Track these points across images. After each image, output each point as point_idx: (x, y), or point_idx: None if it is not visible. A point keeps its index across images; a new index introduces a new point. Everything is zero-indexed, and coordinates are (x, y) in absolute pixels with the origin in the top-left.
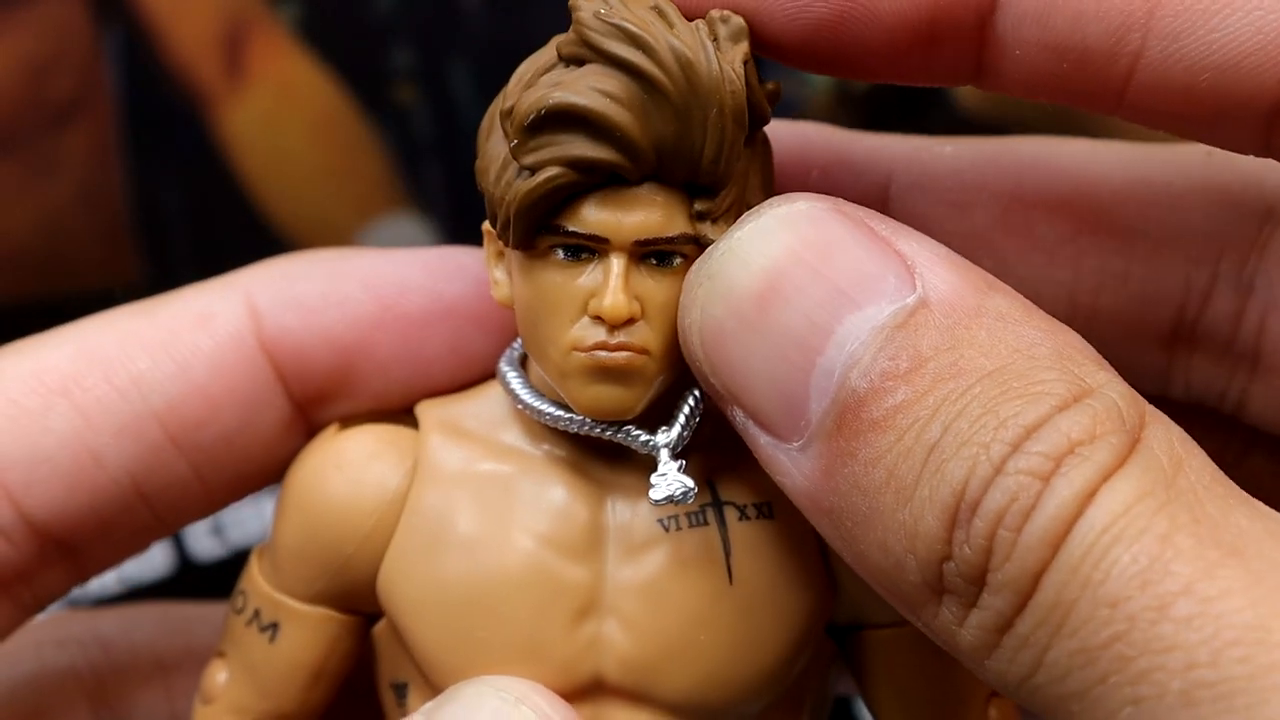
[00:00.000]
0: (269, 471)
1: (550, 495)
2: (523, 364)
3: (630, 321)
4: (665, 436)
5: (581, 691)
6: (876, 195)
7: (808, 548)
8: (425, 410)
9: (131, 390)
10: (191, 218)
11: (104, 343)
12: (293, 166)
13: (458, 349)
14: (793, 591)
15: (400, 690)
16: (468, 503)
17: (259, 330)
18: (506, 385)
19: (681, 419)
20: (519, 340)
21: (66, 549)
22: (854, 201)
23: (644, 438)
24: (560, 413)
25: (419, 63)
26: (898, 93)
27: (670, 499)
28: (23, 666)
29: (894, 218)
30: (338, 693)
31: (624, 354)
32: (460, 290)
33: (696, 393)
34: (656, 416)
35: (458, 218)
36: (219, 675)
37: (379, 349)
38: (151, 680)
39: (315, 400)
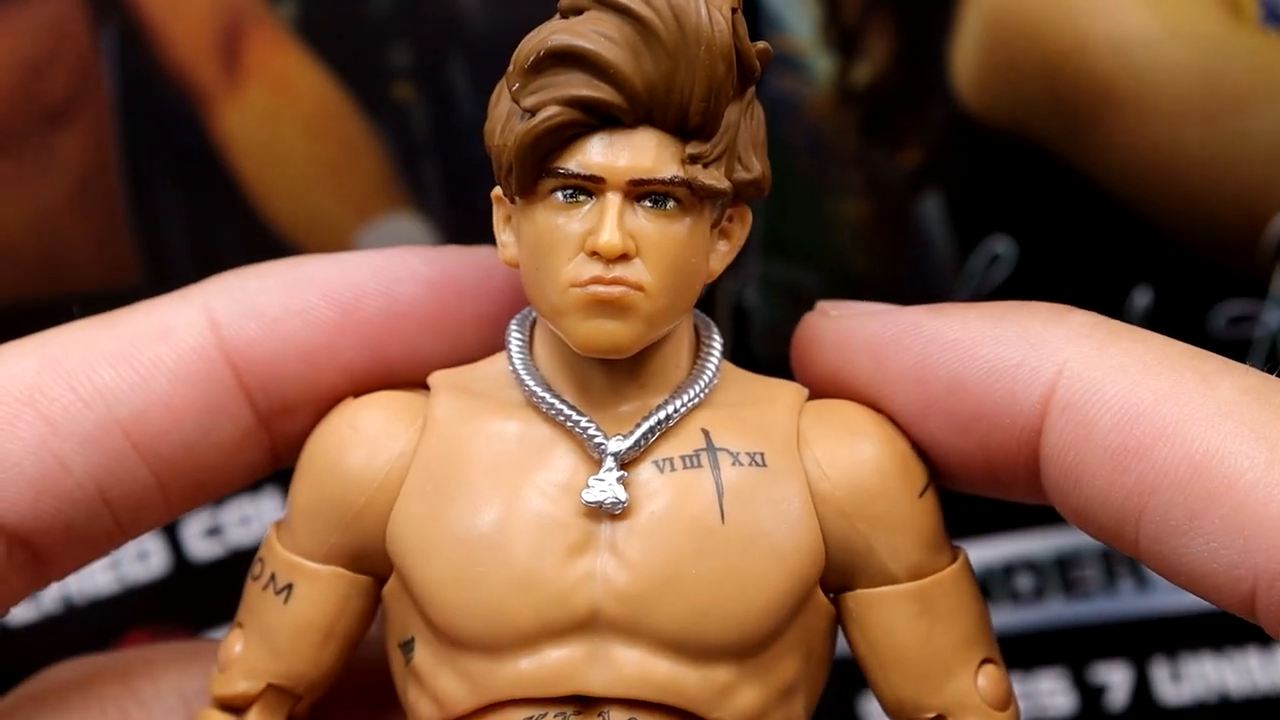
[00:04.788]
0: (228, 481)
1: (553, 444)
2: (532, 329)
3: (625, 258)
4: (616, 444)
5: (578, 625)
6: None
7: (799, 499)
8: (436, 377)
9: (96, 400)
10: (188, 216)
11: (68, 354)
12: (290, 164)
13: (417, 351)
14: (783, 537)
15: (407, 646)
16: (472, 454)
17: (220, 342)
18: (507, 345)
19: (640, 433)
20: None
21: (32, 554)
22: None
23: (598, 440)
24: (538, 390)
25: (417, 61)
26: (898, 92)
27: (599, 504)
28: None
29: None
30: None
31: (620, 288)
32: (413, 292)
33: (673, 408)
34: (648, 374)
35: (456, 216)
36: (236, 644)
37: (341, 355)
38: None
39: (280, 411)
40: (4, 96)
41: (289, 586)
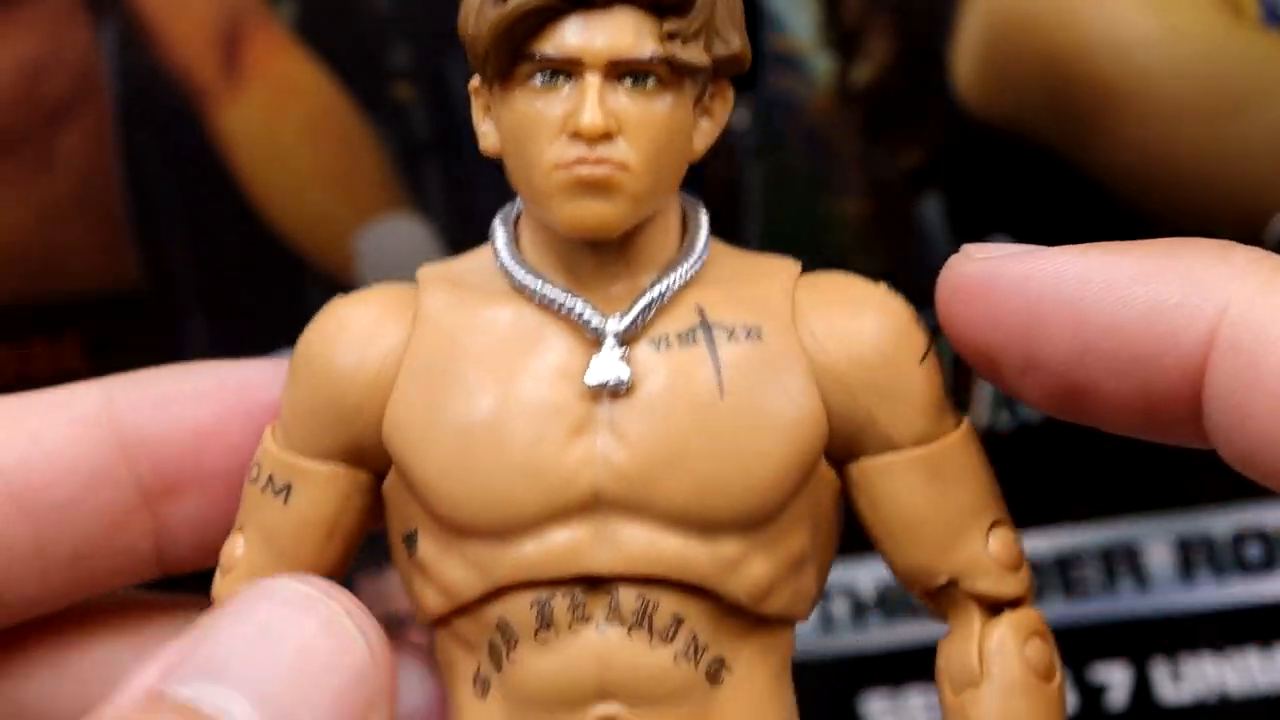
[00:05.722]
0: (110, 564)
1: (546, 329)
2: (515, 224)
3: (608, 138)
4: (615, 323)
5: (582, 506)
6: None
7: (798, 372)
8: (424, 271)
9: None
10: (188, 216)
11: None
12: (290, 164)
13: None
14: (784, 409)
15: (410, 540)
16: (465, 344)
17: (111, 412)
18: (492, 240)
19: (635, 311)
20: (520, 199)
21: None
22: None
23: (594, 321)
24: (526, 278)
25: (417, 61)
26: (898, 92)
27: (604, 384)
28: None
29: None
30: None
31: (604, 168)
32: None
33: (666, 285)
34: (637, 255)
35: (456, 216)
36: (237, 547)
37: (229, 436)
38: None
39: (165, 491)
40: (4, 96)
41: (288, 486)
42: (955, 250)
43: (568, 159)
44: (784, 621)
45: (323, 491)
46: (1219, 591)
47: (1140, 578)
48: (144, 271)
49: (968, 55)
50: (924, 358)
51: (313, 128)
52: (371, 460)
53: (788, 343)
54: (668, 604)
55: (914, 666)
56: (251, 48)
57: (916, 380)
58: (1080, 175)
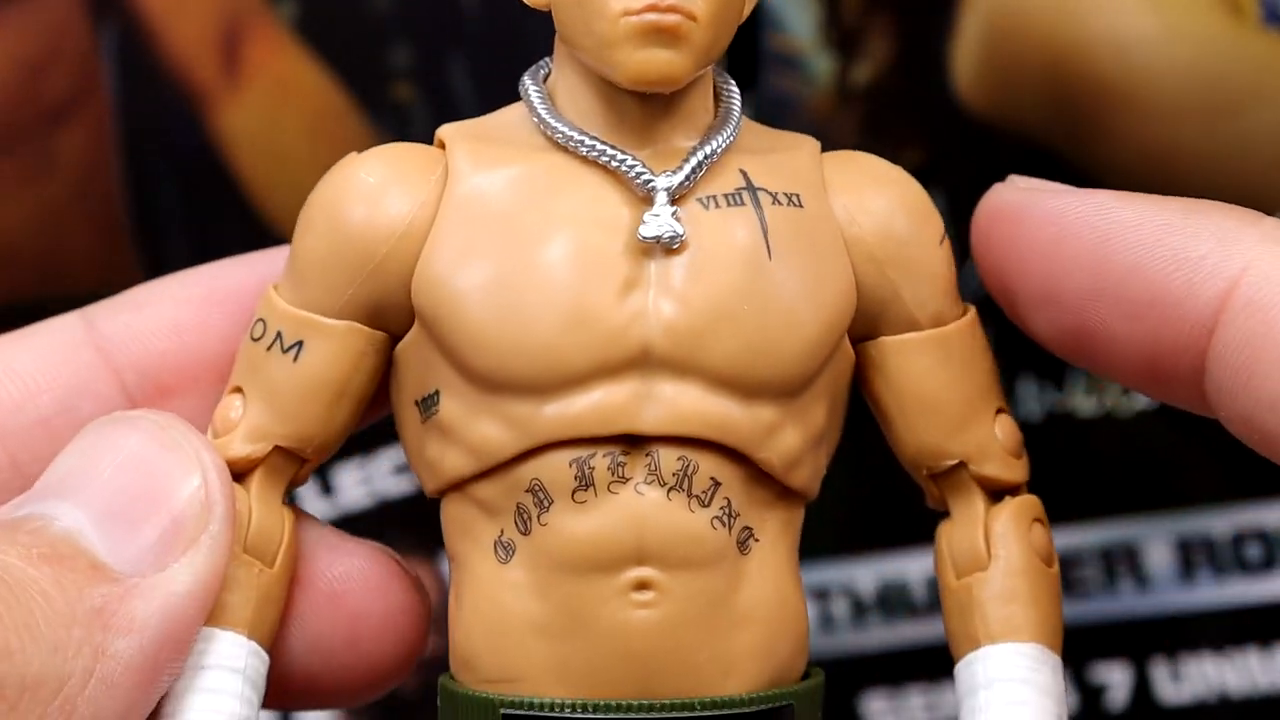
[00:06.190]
0: None
1: (587, 180)
2: (544, 83)
3: None
4: (666, 180)
5: (630, 362)
6: None
7: (835, 241)
8: (447, 129)
9: None
10: (188, 216)
11: None
12: (290, 165)
13: None
14: (825, 273)
15: (429, 401)
16: (505, 196)
17: (88, 327)
18: (526, 96)
19: (688, 169)
20: (546, 60)
21: None
22: None
23: (645, 176)
24: (571, 131)
25: (417, 61)
26: (898, 92)
27: (658, 239)
28: None
29: None
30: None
31: (675, 16)
32: (277, 268)
33: (713, 145)
34: (681, 115)
35: None
36: (233, 409)
37: (213, 326)
38: None
39: (155, 393)
40: (4, 96)
41: (299, 344)
42: (955, 250)
43: (638, 5)
44: (800, 498)
45: (338, 349)
46: (1219, 591)
47: (1140, 578)
48: (144, 271)
49: (968, 55)
50: (943, 239)
51: (313, 127)
52: (391, 319)
53: (824, 213)
54: (707, 466)
55: (914, 666)
56: (251, 48)
57: (939, 260)
58: (1080, 175)
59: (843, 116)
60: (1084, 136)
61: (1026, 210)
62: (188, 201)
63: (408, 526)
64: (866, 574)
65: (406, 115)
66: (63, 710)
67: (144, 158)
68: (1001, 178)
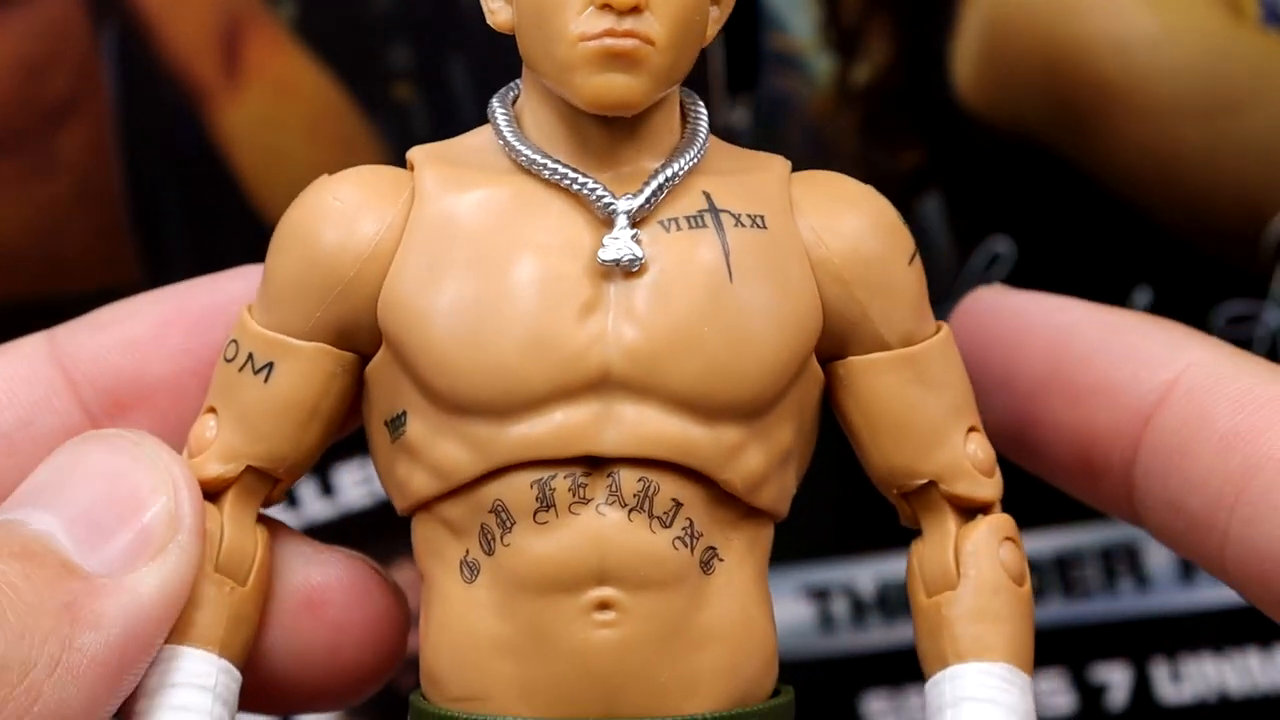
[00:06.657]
0: None
1: (550, 206)
2: (513, 105)
3: (637, 11)
4: (626, 203)
5: (589, 384)
6: None
7: (799, 263)
8: (416, 151)
9: None
10: (188, 216)
11: None
12: (290, 165)
13: None
14: (788, 296)
15: (396, 422)
16: (469, 219)
17: (50, 344)
18: (493, 119)
19: (649, 191)
20: (516, 81)
21: None
22: None
23: (606, 199)
24: (535, 155)
25: (417, 61)
26: (898, 92)
27: (617, 262)
28: None
29: None
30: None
31: (632, 40)
32: (242, 287)
33: (676, 168)
34: (645, 137)
35: None
36: (207, 429)
37: (169, 343)
38: None
39: (113, 409)
40: (4, 96)
41: (269, 365)
42: (955, 250)
43: (595, 30)
44: (767, 517)
45: (308, 371)
46: (1219, 591)
47: (1140, 578)
48: (144, 271)
49: (968, 55)
50: (912, 259)
51: (313, 127)
52: (360, 339)
53: (789, 234)
54: (668, 487)
55: (914, 666)
56: (251, 48)
57: (907, 279)
58: (1080, 174)
59: (842, 117)
60: (1084, 136)
61: (996, 302)
62: (187, 201)
63: (408, 526)
64: (866, 574)
65: (406, 115)
66: (28, 693)
67: (144, 158)
68: (1001, 178)
